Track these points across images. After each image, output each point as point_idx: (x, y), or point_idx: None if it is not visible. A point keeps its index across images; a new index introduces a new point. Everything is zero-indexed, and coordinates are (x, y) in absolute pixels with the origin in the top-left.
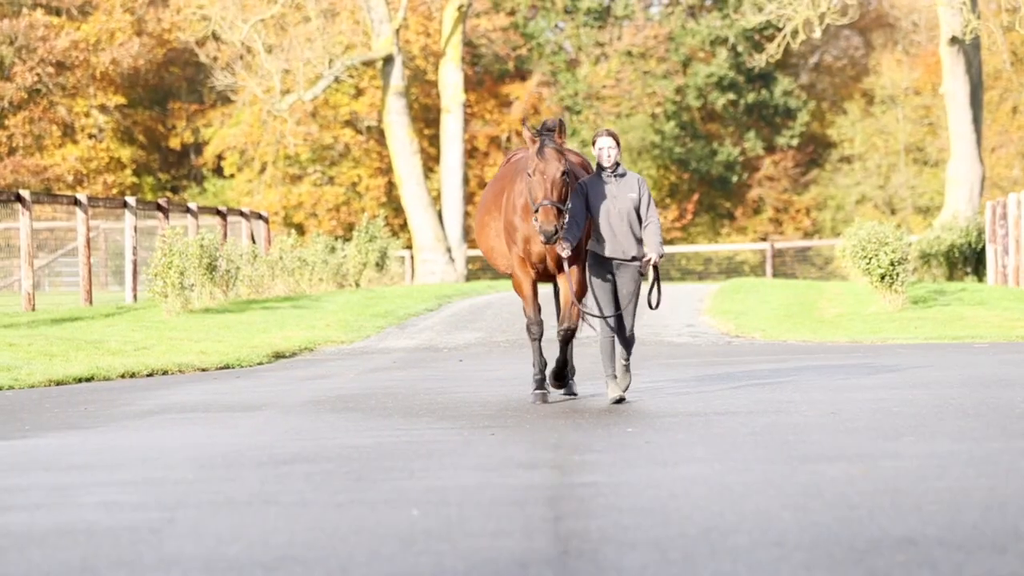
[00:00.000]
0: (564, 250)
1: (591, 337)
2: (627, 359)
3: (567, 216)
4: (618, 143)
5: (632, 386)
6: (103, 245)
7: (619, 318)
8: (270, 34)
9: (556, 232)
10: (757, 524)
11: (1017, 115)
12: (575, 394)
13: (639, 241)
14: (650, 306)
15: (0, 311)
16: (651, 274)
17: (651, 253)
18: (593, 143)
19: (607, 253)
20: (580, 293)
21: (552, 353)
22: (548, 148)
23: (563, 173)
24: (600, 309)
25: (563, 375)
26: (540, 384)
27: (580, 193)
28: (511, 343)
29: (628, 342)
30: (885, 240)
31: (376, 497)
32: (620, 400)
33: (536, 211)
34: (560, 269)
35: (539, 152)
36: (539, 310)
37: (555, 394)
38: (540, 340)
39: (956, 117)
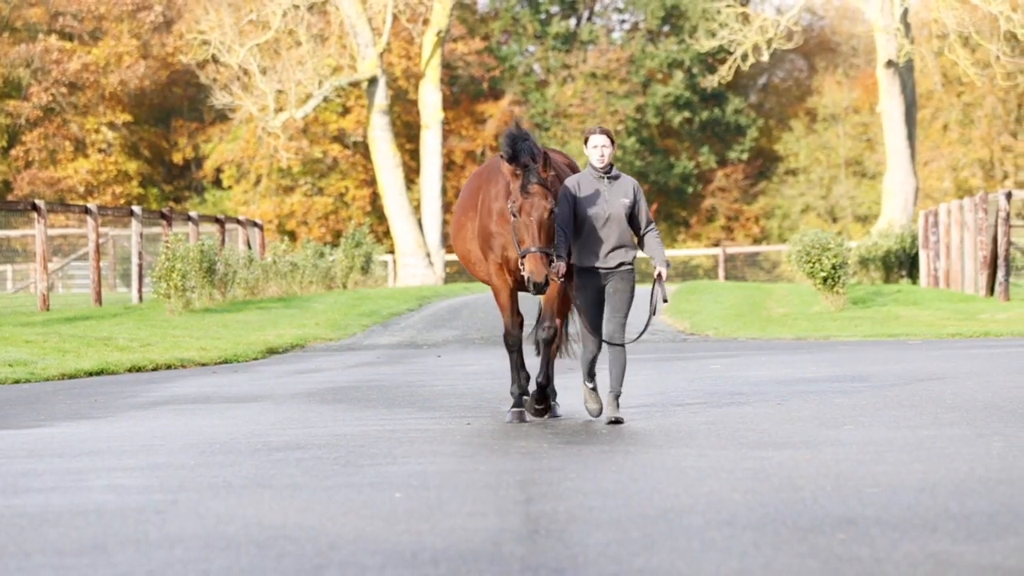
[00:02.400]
0: (557, 275)
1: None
2: (619, 391)
3: (555, 259)
4: (613, 142)
5: (598, 384)
6: (111, 250)
7: (607, 322)
8: (265, 57)
9: (547, 282)
10: (710, 505)
11: (947, 132)
12: (558, 416)
13: (628, 249)
14: (652, 312)
15: (17, 311)
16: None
17: (661, 267)
18: (585, 141)
19: (597, 263)
20: (564, 309)
21: (534, 368)
22: (533, 185)
23: (550, 212)
24: (589, 327)
25: (546, 396)
26: (518, 401)
27: (568, 196)
28: (486, 340)
29: (619, 363)
30: (827, 246)
31: (362, 481)
32: (598, 413)
33: (522, 257)
34: None
35: (523, 189)
36: (520, 322)
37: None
38: (520, 352)
39: (892, 134)
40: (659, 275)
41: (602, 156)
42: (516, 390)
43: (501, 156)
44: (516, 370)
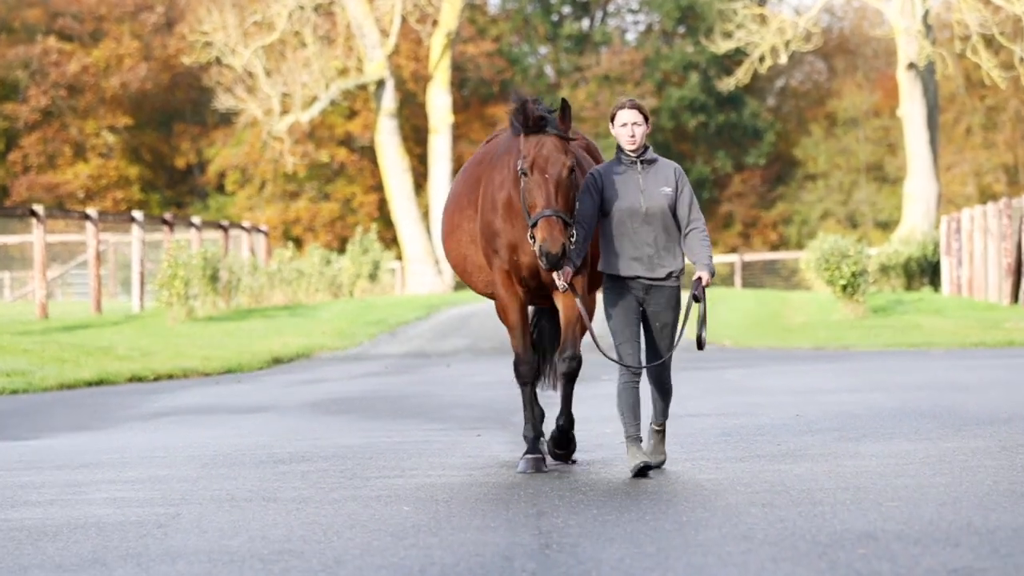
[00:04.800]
0: (563, 279)
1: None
2: (663, 422)
3: (575, 231)
4: (647, 119)
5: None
6: (112, 257)
7: (652, 359)
8: (270, 59)
9: (564, 254)
10: (727, 519)
11: (970, 136)
12: (575, 461)
13: (676, 251)
14: (699, 346)
15: (15, 319)
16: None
17: (704, 272)
18: (612, 120)
19: (632, 271)
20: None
21: (551, 407)
22: (549, 136)
23: (570, 170)
24: (623, 356)
25: (568, 440)
26: (533, 446)
27: (592, 188)
28: (496, 350)
29: (664, 392)
30: (847, 253)
31: (369, 494)
32: (645, 468)
33: (534, 224)
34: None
35: (536, 143)
36: (532, 346)
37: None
38: (534, 385)
39: (913, 138)
40: (698, 280)
41: (633, 136)
42: (531, 432)
43: (512, 123)
44: (530, 407)
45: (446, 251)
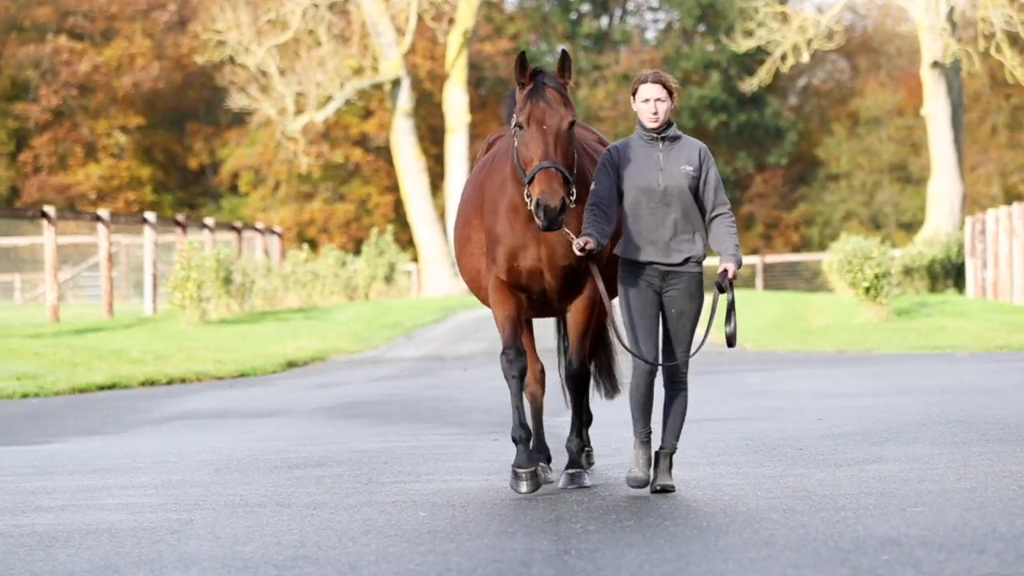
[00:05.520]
0: (581, 243)
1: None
2: (673, 446)
3: (590, 211)
4: (672, 94)
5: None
6: (124, 259)
7: (668, 354)
8: (284, 58)
9: (563, 209)
10: (748, 524)
11: (996, 135)
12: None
13: (697, 237)
14: (729, 343)
15: (26, 322)
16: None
17: (729, 263)
18: (633, 94)
19: (646, 255)
20: (594, 320)
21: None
22: (548, 88)
23: (571, 124)
24: (637, 349)
25: (578, 463)
26: (526, 455)
27: (609, 165)
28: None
29: (677, 398)
30: (870, 254)
31: (385, 499)
32: (644, 484)
33: (530, 180)
34: (567, 297)
35: (531, 95)
36: (518, 335)
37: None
38: (521, 379)
39: (937, 137)
40: (723, 272)
41: (655, 112)
42: (521, 433)
43: (518, 83)
44: (518, 405)
45: (460, 267)
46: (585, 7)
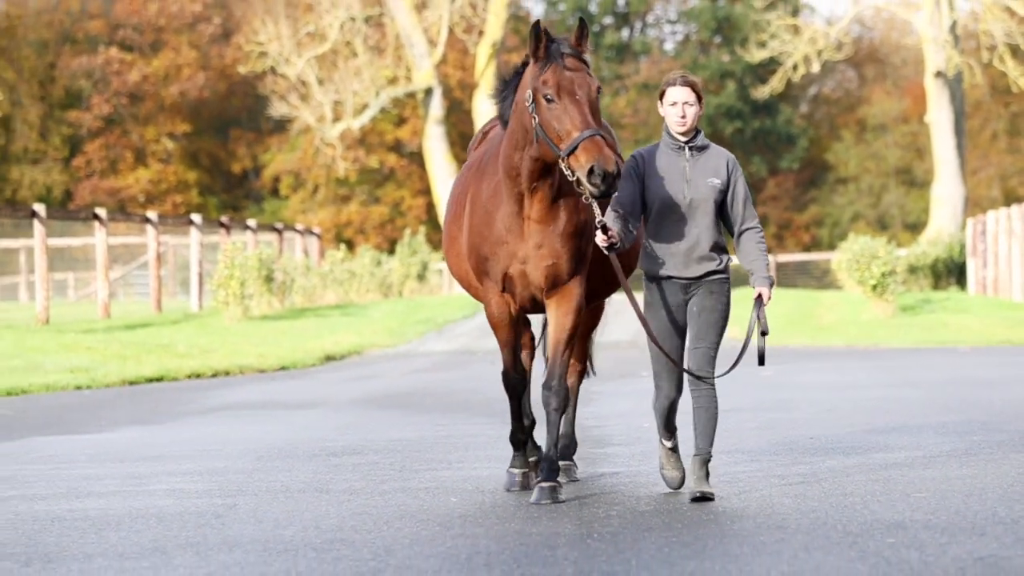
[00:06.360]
0: (606, 239)
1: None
2: (706, 451)
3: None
4: (700, 98)
5: (679, 442)
6: (171, 258)
7: (694, 351)
8: (322, 68)
9: (618, 175)
10: (761, 510)
11: (996, 141)
12: (576, 479)
13: (720, 252)
14: (759, 361)
15: (79, 318)
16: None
17: (764, 287)
18: (660, 97)
19: (666, 270)
20: (577, 329)
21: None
22: (570, 57)
23: (598, 91)
24: (663, 360)
25: (554, 470)
26: (522, 459)
27: (634, 172)
28: (540, 347)
29: (709, 412)
30: (877, 254)
31: (418, 485)
32: (677, 482)
33: (571, 151)
34: (551, 295)
35: (554, 66)
36: (519, 358)
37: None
38: (520, 399)
39: (940, 143)
40: (758, 297)
41: (683, 117)
42: (520, 449)
43: (532, 55)
44: (516, 425)
45: (448, 264)
46: (607, 20)
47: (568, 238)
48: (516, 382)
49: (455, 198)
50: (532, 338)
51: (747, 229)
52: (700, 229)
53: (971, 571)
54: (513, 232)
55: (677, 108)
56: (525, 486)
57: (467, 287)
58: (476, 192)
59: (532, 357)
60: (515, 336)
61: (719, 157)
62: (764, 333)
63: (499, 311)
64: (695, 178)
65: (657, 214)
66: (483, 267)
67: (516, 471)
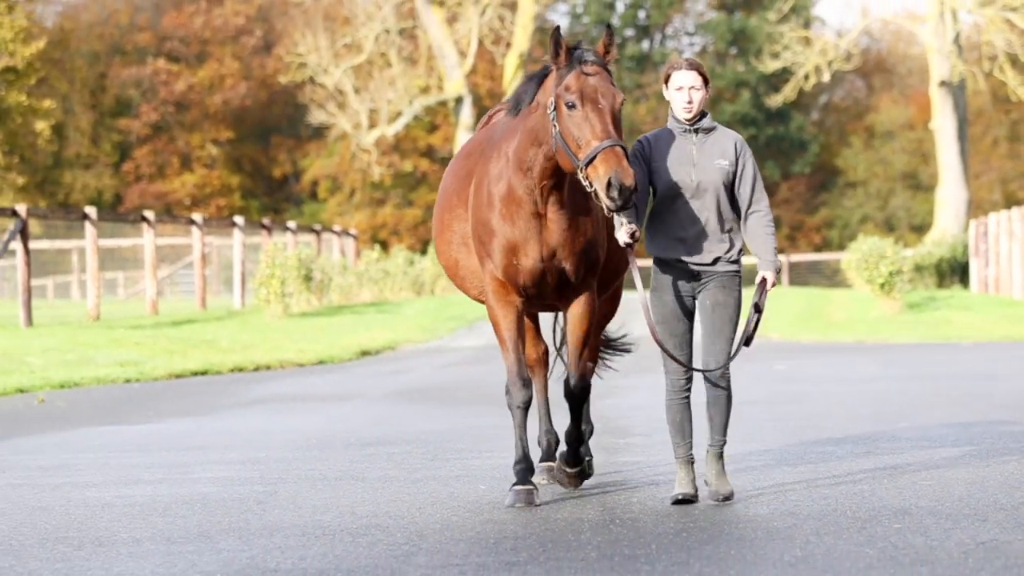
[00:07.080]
0: (624, 232)
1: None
2: (720, 443)
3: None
4: (707, 82)
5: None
6: (215, 259)
7: (707, 348)
8: (358, 78)
9: (636, 189)
10: (775, 496)
11: (997, 147)
12: (589, 475)
13: (730, 235)
14: (746, 342)
15: (129, 315)
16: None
17: (768, 271)
18: (665, 82)
19: (675, 253)
20: (594, 328)
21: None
22: (593, 65)
23: (622, 102)
24: (670, 353)
25: (578, 456)
26: (523, 476)
27: (640, 156)
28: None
29: (722, 404)
30: (884, 254)
31: (448, 474)
32: (685, 500)
33: (589, 161)
34: (566, 299)
35: (577, 73)
36: (524, 362)
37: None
38: (526, 410)
39: (945, 149)
40: (762, 281)
41: (689, 102)
42: (520, 459)
43: (553, 62)
44: (520, 432)
45: (437, 253)
46: (629, 32)
47: (582, 236)
48: (520, 390)
49: (450, 187)
50: (546, 351)
51: (755, 212)
52: (709, 212)
53: (974, 555)
54: (524, 227)
55: (683, 93)
56: (530, 503)
57: (454, 278)
58: (483, 173)
59: (547, 372)
60: (519, 335)
61: (727, 138)
62: (758, 310)
63: (500, 304)
64: (702, 161)
65: (665, 198)
66: (487, 248)
67: (521, 488)
